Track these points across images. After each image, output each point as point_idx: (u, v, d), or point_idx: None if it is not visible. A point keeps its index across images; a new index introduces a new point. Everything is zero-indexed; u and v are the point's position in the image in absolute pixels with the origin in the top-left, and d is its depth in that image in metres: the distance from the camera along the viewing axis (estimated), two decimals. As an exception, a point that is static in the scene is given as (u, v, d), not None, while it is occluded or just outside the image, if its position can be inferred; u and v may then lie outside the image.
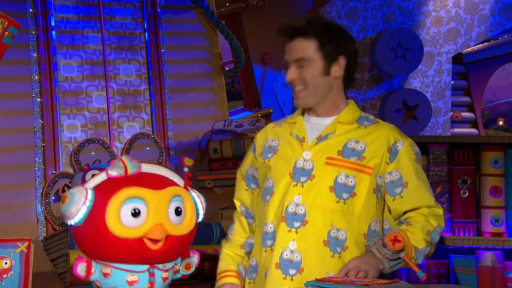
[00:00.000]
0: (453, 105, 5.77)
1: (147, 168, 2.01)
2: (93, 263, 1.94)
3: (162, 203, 1.92)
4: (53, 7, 4.09)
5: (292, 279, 2.34)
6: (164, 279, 1.98)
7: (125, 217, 1.89)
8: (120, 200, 1.89)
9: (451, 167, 3.48)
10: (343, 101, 2.53)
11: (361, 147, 2.43)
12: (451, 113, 5.74)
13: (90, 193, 1.91)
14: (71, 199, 1.91)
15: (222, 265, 2.61)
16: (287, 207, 2.40)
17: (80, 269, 1.93)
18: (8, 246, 2.19)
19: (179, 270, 2.07)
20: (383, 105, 5.47)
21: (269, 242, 2.41)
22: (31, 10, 4.02)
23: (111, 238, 1.88)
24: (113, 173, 1.94)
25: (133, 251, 1.91)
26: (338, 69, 2.46)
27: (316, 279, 2.19)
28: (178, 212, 1.96)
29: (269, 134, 2.57)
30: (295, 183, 2.42)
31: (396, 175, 2.44)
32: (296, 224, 2.38)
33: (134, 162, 1.96)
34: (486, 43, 5.83)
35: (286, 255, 2.36)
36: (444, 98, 5.68)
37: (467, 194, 3.47)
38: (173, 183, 2.01)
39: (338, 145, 2.43)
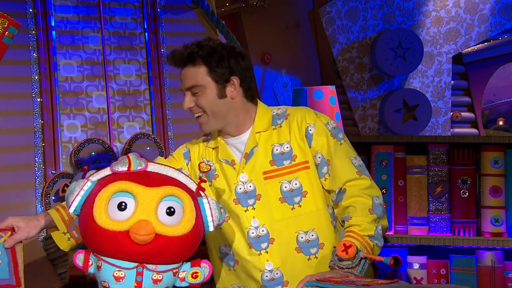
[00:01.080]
0: (453, 105, 5.77)
1: (155, 168, 2.02)
2: (91, 255, 1.94)
3: (152, 201, 1.92)
4: (53, 7, 4.09)
5: None
6: (155, 281, 1.96)
7: (112, 210, 1.90)
8: (109, 193, 1.90)
9: (451, 167, 3.48)
10: (251, 111, 2.48)
11: (286, 147, 2.41)
12: (451, 113, 5.74)
13: (88, 184, 1.93)
14: (70, 188, 1.97)
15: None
16: (247, 233, 2.40)
17: (79, 259, 1.95)
18: None
19: (184, 277, 2.04)
20: (383, 105, 5.47)
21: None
22: (31, 10, 4.02)
23: (97, 228, 1.90)
24: (117, 168, 1.96)
25: (119, 245, 1.90)
26: (233, 90, 2.42)
27: (316, 279, 2.19)
28: (170, 212, 1.95)
29: (204, 154, 2.53)
30: (245, 208, 2.41)
31: (319, 157, 2.41)
32: (264, 245, 2.39)
33: (140, 160, 1.97)
34: (486, 43, 5.84)
35: (267, 276, 2.38)
36: (444, 98, 5.68)
37: (467, 194, 3.47)
38: (174, 184, 2.00)
39: (266, 155, 2.41)
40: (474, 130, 5.88)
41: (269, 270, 2.38)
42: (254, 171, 2.40)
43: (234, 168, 2.43)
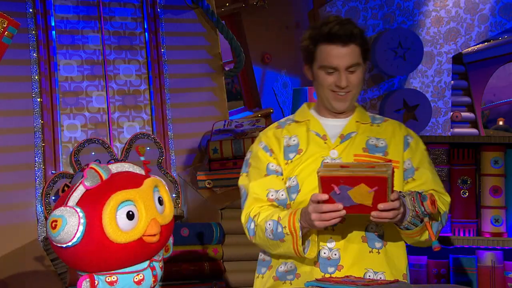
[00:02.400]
0: (453, 105, 5.77)
1: (114, 168, 2.02)
2: (95, 276, 1.94)
3: (149, 198, 1.94)
4: (53, 7, 4.09)
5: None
6: (161, 268, 2.03)
7: (121, 223, 1.90)
8: (113, 208, 1.89)
9: (451, 167, 3.48)
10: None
11: (382, 143, 2.43)
12: (451, 113, 5.74)
13: (79, 210, 1.90)
14: (63, 223, 1.87)
15: (282, 216, 2.31)
16: None
17: (85, 286, 1.93)
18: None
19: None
20: (383, 105, 5.47)
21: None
22: (31, 10, 4.02)
23: (114, 247, 1.89)
24: (91, 183, 1.93)
25: (135, 253, 1.93)
26: (365, 73, 2.49)
27: (316, 279, 2.19)
28: (160, 202, 1.98)
29: (283, 133, 2.49)
30: None
31: (409, 164, 2.44)
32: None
33: (104, 167, 1.96)
34: (486, 43, 5.84)
35: (325, 253, 2.36)
36: (444, 98, 5.68)
37: (467, 194, 3.47)
38: (144, 176, 2.02)
39: (361, 143, 2.42)
40: (474, 130, 5.88)
41: (329, 248, 2.34)
42: (346, 151, 2.39)
43: (325, 142, 2.42)
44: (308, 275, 2.33)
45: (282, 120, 2.58)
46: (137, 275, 1.95)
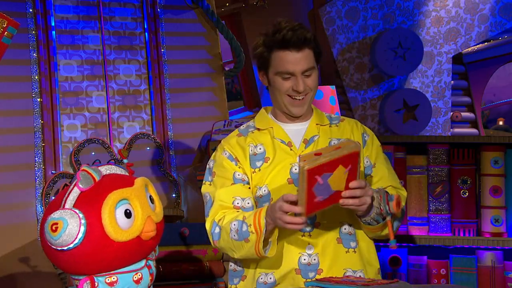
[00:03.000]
0: (453, 105, 5.77)
1: (104, 170, 2.04)
2: (95, 278, 1.94)
3: (142, 197, 1.97)
4: (53, 7, 4.09)
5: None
6: (156, 267, 2.07)
7: (120, 221, 1.91)
8: (112, 207, 1.90)
9: (451, 167, 3.48)
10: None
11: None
12: (451, 113, 5.74)
13: (78, 211, 1.91)
14: (64, 226, 1.87)
15: (247, 216, 2.33)
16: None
17: None
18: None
19: None
20: (383, 105, 5.47)
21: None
22: (31, 10, 4.02)
23: (116, 246, 1.90)
24: (85, 186, 1.95)
25: (134, 251, 1.94)
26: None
27: (316, 279, 2.19)
28: (152, 200, 2.01)
29: (247, 141, 2.49)
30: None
31: (367, 162, 2.49)
32: (308, 228, 2.37)
33: (95, 169, 1.98)
34: (486, 43, 5.83)
35: (305, 259, 2.37)
36: (444, 98, 5.68)
37: (467, 194, 3.47)
38: (132, 177, 2.04)
39: (324, 145, 2.45)
40: (474, 130, 5.88)
41: (308, 254, 2.37)
42: None
43: (291, 149, 2.44)
44: (290, 283, 2.36)
45: (243, 127, 2.58)
46: (136, 274, 1.97)
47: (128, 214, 1.92)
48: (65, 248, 1.89)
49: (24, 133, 3.90)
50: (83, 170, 1.94)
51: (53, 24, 4.07)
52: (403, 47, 5.39)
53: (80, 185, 1.94)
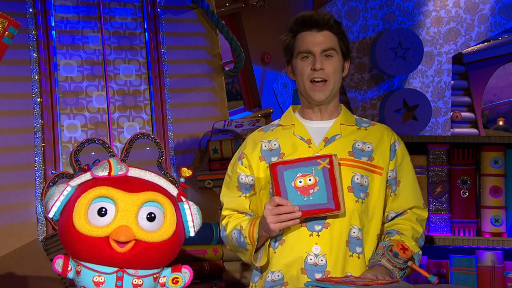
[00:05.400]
0: (453, 105, 5.77)
1: (135, 172, 2.01)
2: (70, 261, 1.93)
3: (132, 206, 1.91)
4: (53, 7, 4.09)
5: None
6: (136, 286, 1.95)
7: (92, 215, 1.89)
8: (89, 198, 1.89)
9: (451, 167, 3.48)
10: (339, 104, 2.55)
11: (368, 147, 2.44)
12: (451, 113, 5.74)
13: (68, 189, 1.92)
14: (50, 193, 1.94)
15: (244, 226, 2.43)
16: None
17: (58, 264, 1.94)
18: (309, 164, 2.27)
19: (165, 283, 2.02)
20: (383, 105, 5.47)
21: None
22: (31, 10, 4.02)
23: (76, 234, 1.89)
24: (97, 172, 1.94)
25: (99, 251, 1.89)
26: (346, 68, 2.50)
27: (316, 279, 2.19)
28: (151, 218, 1.93)
29: (263, 137, 2.51)
30: None
31: (392, 175, 2.47)
32: (317, 228, 2.36)
33: (121, 165, 1.96)
34: (486, 43, 5.84)
35: (311, 259, 2.36)
36: (444, 98, 5.69)
37: (467, 194, 3.47)
38: (155, 189, 1.99)
39: (346, 146, 2.43)
40: (474, 130, 5.88)
41: (315, 254, 2.36)
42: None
43: (310, 146, 2.42)
44: (295, 282, 2.35)
45: (274, 122, 2.60)
46: (99, 275, 1.91)
47: (102, 213, 1.89)
48: (48, 214, 1.94)
49: (24, 133, 3.90)
50: (108, 160, 1.96)
51: (53, 24, 4.07)
52: (403, 47, 5.39)
53: (93, 171, 1.94)
